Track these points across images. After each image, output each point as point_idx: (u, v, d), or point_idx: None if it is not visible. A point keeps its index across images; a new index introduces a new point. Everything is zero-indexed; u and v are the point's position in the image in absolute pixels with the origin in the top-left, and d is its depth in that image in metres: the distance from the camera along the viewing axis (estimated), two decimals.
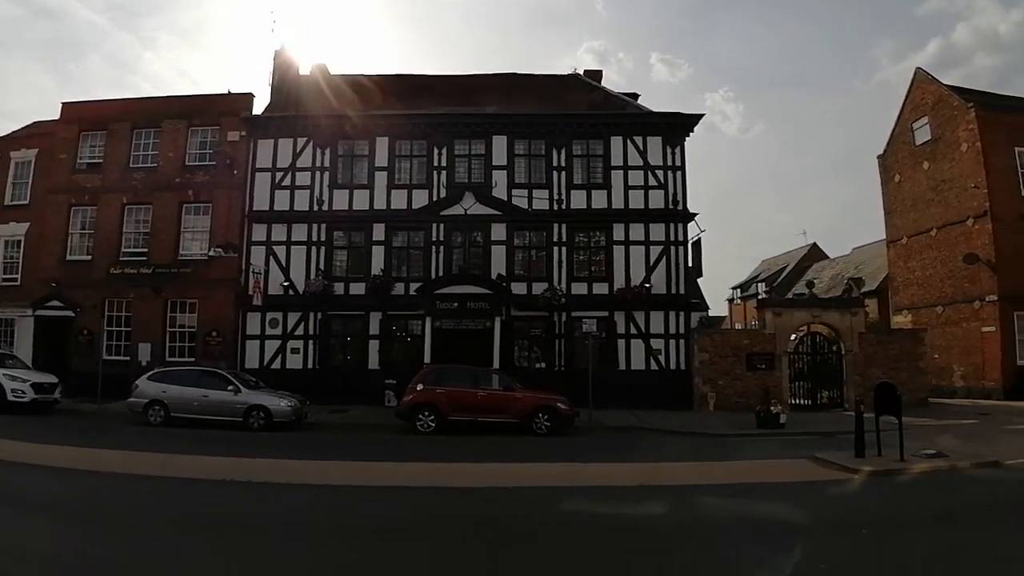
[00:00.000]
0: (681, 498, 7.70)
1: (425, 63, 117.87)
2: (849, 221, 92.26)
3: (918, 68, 25.94)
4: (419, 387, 13.57)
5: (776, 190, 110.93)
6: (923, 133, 24.85)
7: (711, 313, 27.96)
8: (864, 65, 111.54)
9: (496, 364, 16.50)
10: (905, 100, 26.13)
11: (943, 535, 6.03)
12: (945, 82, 25.19)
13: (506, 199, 18.67)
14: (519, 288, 18.10)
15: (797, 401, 18.15)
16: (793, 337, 18.77)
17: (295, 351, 18.13)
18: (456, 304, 17.39)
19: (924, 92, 25.06)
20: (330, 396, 16.36)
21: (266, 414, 13.36)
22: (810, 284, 24.23)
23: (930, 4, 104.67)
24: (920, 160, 24.91)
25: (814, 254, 44.42)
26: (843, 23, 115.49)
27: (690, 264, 18.78)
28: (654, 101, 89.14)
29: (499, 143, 19.04)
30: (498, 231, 18.64)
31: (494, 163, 18.94)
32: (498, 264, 18.35)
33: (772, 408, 14.62)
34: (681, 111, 19.38)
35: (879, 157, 27.57)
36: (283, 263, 18.41)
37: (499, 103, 20.08)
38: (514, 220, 18.66)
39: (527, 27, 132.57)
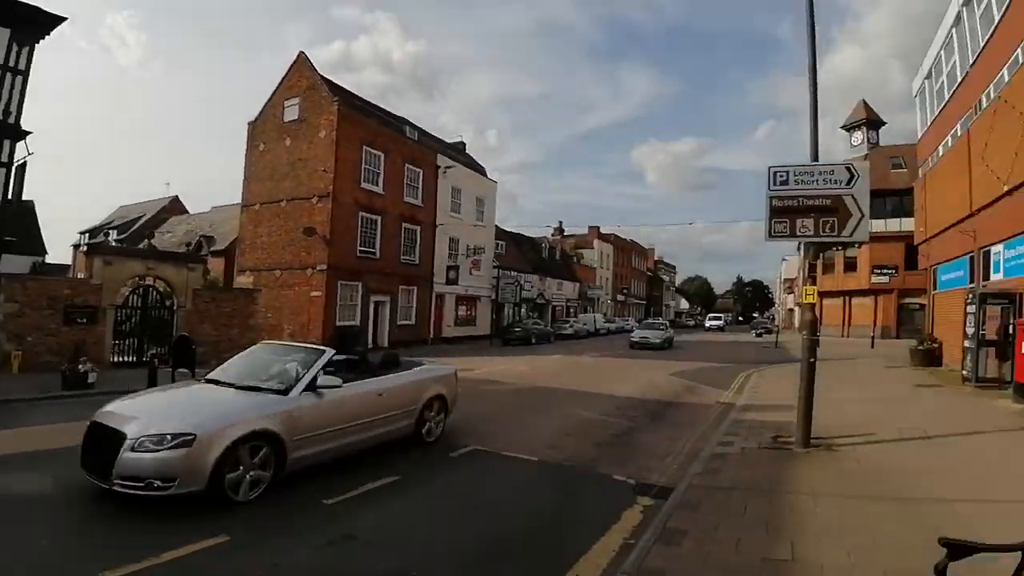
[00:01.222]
0: None
1: None
2: (222, 181, 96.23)
3: (301, 52, 27.95)
4: None
5: (157, 135, 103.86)
6: (292, 112, 26.88)
7: (52, 260, 23.06)
8: (278, 41, 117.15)
9: None
10: (284, 77, 27.69)
11: None
12: (343, 84, 28.25)
13: None
14: None
15: (123, 358, 16.92)
16: (128, 290, 17.39)
17: None
18: None
19: (301, 76, 27.25)
20: None
21: None
22: (150, 235, 23.18)
23: (346, 11, 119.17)
24: (284, 136, 26.98)
25: (175, 207, 43.33)
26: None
27: (11, 194, 14.73)
28: None
29: None
30: None
31: None
32: None
33: (81, 367, 13.08)
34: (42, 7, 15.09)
35: (250, 123, 28.44)
36: None
37: None
38: None
39: None
